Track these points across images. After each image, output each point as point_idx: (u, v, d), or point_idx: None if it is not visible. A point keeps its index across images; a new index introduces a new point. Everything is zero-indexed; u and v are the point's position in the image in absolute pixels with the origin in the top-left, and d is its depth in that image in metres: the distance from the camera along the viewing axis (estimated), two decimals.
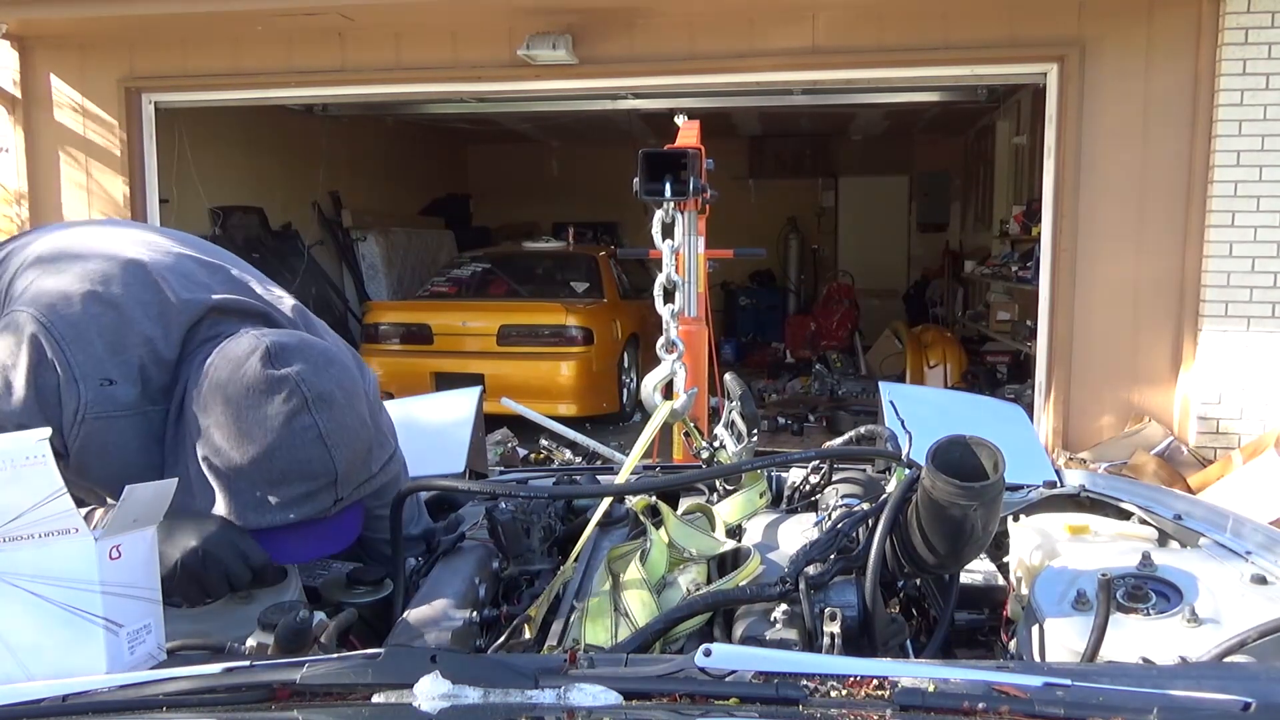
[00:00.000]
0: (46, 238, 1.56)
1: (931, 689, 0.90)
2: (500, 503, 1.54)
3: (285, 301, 1.58)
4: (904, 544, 1.30)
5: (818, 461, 1.77)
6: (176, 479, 1.20)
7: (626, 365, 8.38)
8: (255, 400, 1.30)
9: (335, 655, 1.08)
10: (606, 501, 1.61)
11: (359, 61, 6.62)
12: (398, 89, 7.03)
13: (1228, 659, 1.11)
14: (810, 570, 1.28)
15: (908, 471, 1.41)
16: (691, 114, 4.32)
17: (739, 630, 1.25)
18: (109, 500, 1.54)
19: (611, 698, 0.90)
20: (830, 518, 1.45)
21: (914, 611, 1.54)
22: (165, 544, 1.29)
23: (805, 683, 0.94)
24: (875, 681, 0.94)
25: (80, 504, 1.17)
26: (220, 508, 1.33)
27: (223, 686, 0.97)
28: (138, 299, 1.42)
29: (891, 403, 1.97)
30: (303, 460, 1.30)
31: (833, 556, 1.31)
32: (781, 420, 7.86)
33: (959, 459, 1.23)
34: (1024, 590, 1.44)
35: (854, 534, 1.36)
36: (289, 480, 1.31)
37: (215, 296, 1.46)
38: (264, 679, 0.97)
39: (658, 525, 1.50)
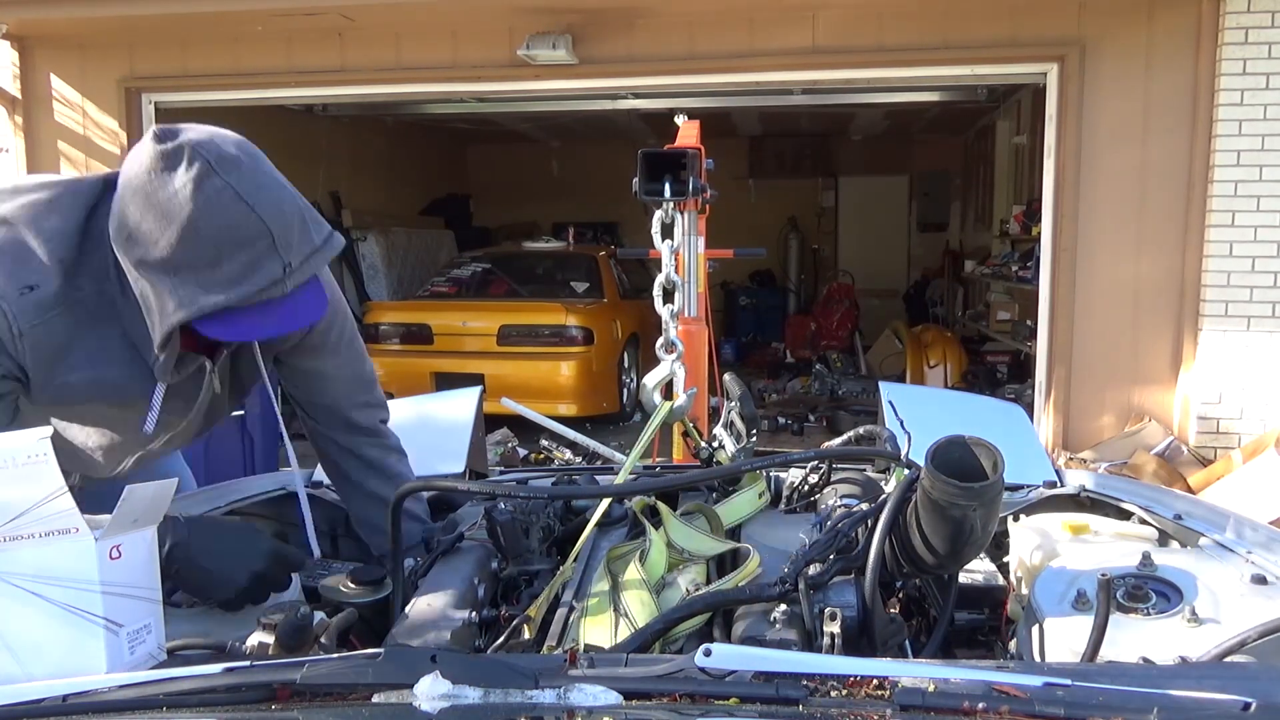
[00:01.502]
0: None
1: (931, 689, 0.90)
2: (499, 503, 1.54)
3: None
4: (903, 544, 1.30)
5: (817, 462, 1.77)
6: (177, 479, 1.20)
7: (626, 365, 8.38)
8: (159, 180, 1.27)
9: (335, 655, 1.08)
10: (606, 502, 1.61)
11: (359, 61, 6.62)
12: (398, 89, 7.03)
13: (1228, 659, 1.11)
14: (810, 570, 1.28)
15: (907, 472, 1.41)
16: (691, 114, 4.31)
17: (738, 630, 1.25)
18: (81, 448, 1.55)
19: (611, 698, 0.90)
20: (830, 518, 1.45)
21: (913, 611, 1.54)
22: (224, 572, 1.35)
23: (805, 683, 0.94)
24: (875, 681, 0.94)
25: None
26: (170, 304, 1.30)
27: (223, 686, 0.97)
28: (28, 202, 1.41)
29: (891, 403, 1.97)
30: (229, 225, 1.27)
31: (832, 557, 1.31)
32: (781, 420, 7.86)
33: (958, 459, 1.23)
34: (1024, 590, 1.44)
35: (853, 534, 1.36)
36: (224, 250, 1.27)
37: (106, 171, 1.46)
38: (264, 679, 0.97)
39: (657, 525, 1.50)
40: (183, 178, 1.26)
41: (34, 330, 1.36)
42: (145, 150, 1.30)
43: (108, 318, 1.41)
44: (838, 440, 1.95)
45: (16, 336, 1.35)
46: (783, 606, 1.25)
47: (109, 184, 1.42)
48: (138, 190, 1.29)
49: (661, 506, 1.54)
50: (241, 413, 5.12)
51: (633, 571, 1.37)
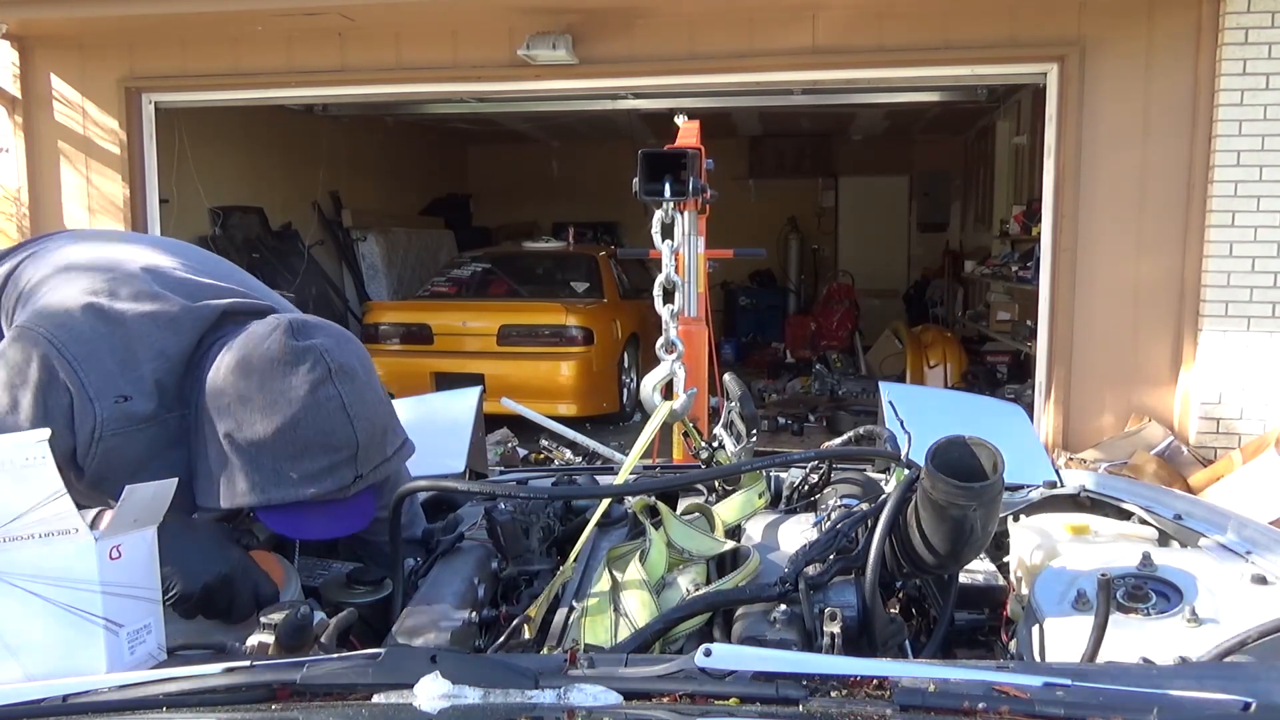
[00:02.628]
0: (51, 250, 1.55)
1: (931, 689, 0.90)
2: (499, 503, 1.54)
3: (286, 303, 1.61)
4: (903, 544, 1.30)
5: (816, 462, 1.77)
6: (176, 479, 1.20)
7: (626, 365, 8.38)
8: (279, 371, 1.32)
9: (335, 655, 1.08)
10: (605, 502, 1.61)
11: (359, 61, 6.62)
12: (398, 89, 7.03)
13: (1228, 659, 1.11)
14: (810, 570, 1.28)
15: (907, 472, 1.41)
16: (691, 114, 4.32)
17: (738, 630, 1.25)
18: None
19: (611, 698, 0.90)
20: (829, 518, 1.45)
21: (914, 611, 1.54)
22: (190, 565, 1.30)
23: (805, 683, 0.94)
24: (875, 681, 0.94)
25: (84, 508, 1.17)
26: (242, 484, 1.33)
27: (223, 686, 0.97)
28: (148, 312, 1.41)
29: (891, 403, 1.97)
30: (326, 430, 1.32)
31: (832, 557, 1.31)
32: (781, 420, 7.86)
33: (958, 459, 1.23)
34: (1024, 590, 1.44)
35: (853, 534, 1.36)
36: (311, 452, 1.32)
37: (226, 301, 1.47)
38: (264, 679, 0.97)
39: (657, 526, 1.50)
40: (303, 377, 1.32)
41: (115, 438, 1.36)
42: (275, 338, 1.34)
43: (180, 444, 1.42)
44: (838, 440, 1.95)
45: (95, 441, 1.35)
46: (783, 606, 1.25)
47: (226, 316, 1.44)
48: (254, 371, 1.33)
49: (661, 506, 1.54)
50: None
51: (633, 571, 1.37)
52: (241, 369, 1.33)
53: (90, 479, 1.39)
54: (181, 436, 1.41)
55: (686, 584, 1.39)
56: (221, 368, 1.35)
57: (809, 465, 1.78)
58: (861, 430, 1.86)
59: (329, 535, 1.43)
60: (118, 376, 1.36)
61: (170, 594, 1.29)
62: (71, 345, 1.35)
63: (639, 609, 1.30)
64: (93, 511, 1.11)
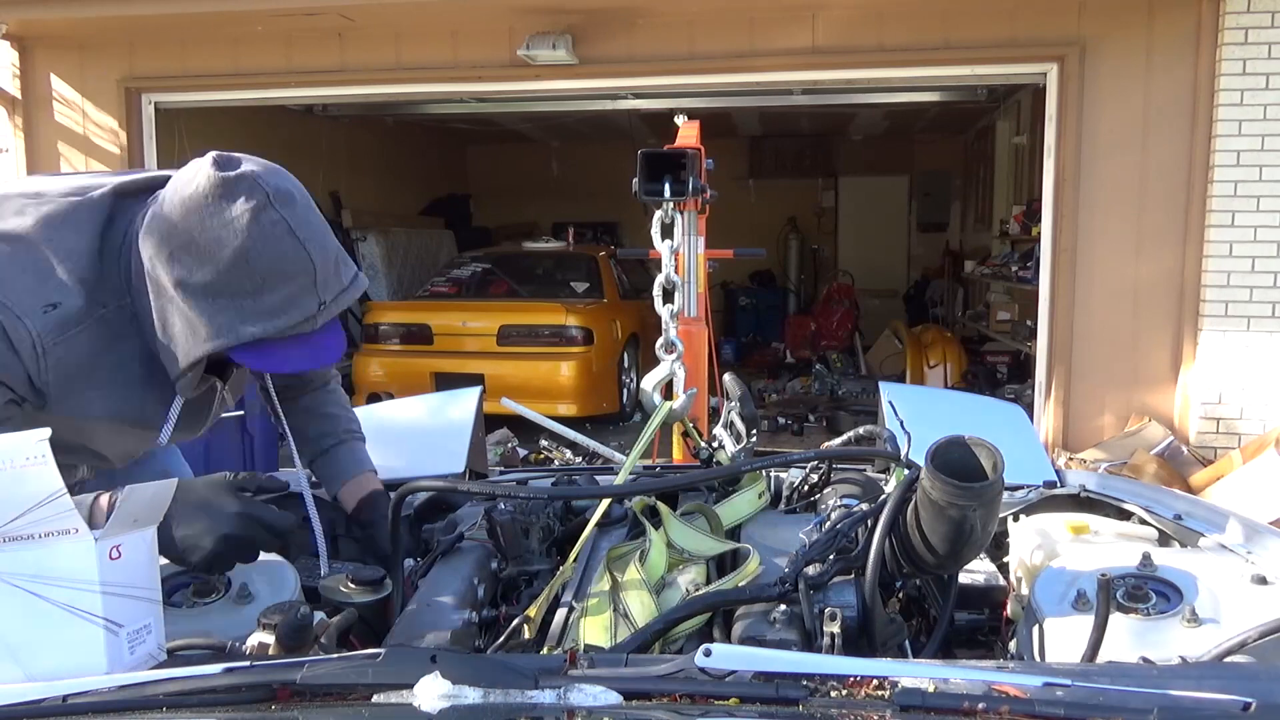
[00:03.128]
0: None
1: (931, 689, 0.90)
2: (499, 503, 1.54)
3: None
4: (903, 544, 1.30)
5: (816, 462, 1.77)
6: (177, 479, 1.20)
7: (626, 365, 8.38)
8: (216, 206, 1.28)
9: (335, 655, 1.08)
10: (605, 502, 1.61)
11: (359, 61, 6.62)
12: (398, 89, 7.02)
13: (1228, 659, 1.11)
14: (809, 570, 1.28)
15: (907, 472, 1.41)
16: (691, 114, 4.31)
17: (738, 630, 1.25)
18: (96, 453, 1.54)
19: (611, 698, 0.90)
20: (829, 518, 1.45)
21: (913, 611, 1.54)
22: (190, 529, 1.30)
23: (805, 683, 0.94)
24: (875, 681, 0.94)
25: (71, 473, 1.16)
26: (205, 329, 1.30)
27: (223, 686, 0.97)
28: (41, 216, 1.40)
29: (891, 403, 1.97)
30: (278, 257, 1.28)
31: (832, 557, 1.31)
32: (781, 420, 7.86)
33: (958, 459, 1.23)
34: (1024, 590, 1.44)
35: (853, 534, 1.36)
36: (269, 282, 1.29)
37: (113, 181, 1.45)
38: (264, 679, 0.97)
39: (657, 526, 1.50)
40: (241, 206, 1.28)
41: (57, 348, 1.36)
42: (203, 175, 1.31)
43: (126, 334, 1.41)
44: (838, 440, 1.95)
45: (40, 355, 1.35)
46: (782, 606, 1.25)
47: (120, 194, 1.42)
48: (191, 211, 1.29)
49: (661, 507, 1.54)
50: (241, 413, 5.13)
51: (633, 572, 1.37)
52: (176, 214, 1.30)
53: (54, 400, 1.39)
54: (127, 326, 1.40)
55: (686, 584, 1.39)
56: (155, 224, 1.32)
57: (809, 465, 1.78)
58: (861, 430, 1.86)
59: (305, 367, 1.40)
60: (38, 288, 1.35)
61: (193, 565, 1.32)
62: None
63: (639, 609, 1.30)
64: (89, 500, 1.11)
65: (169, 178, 1.43)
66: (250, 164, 1.33)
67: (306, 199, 1.36)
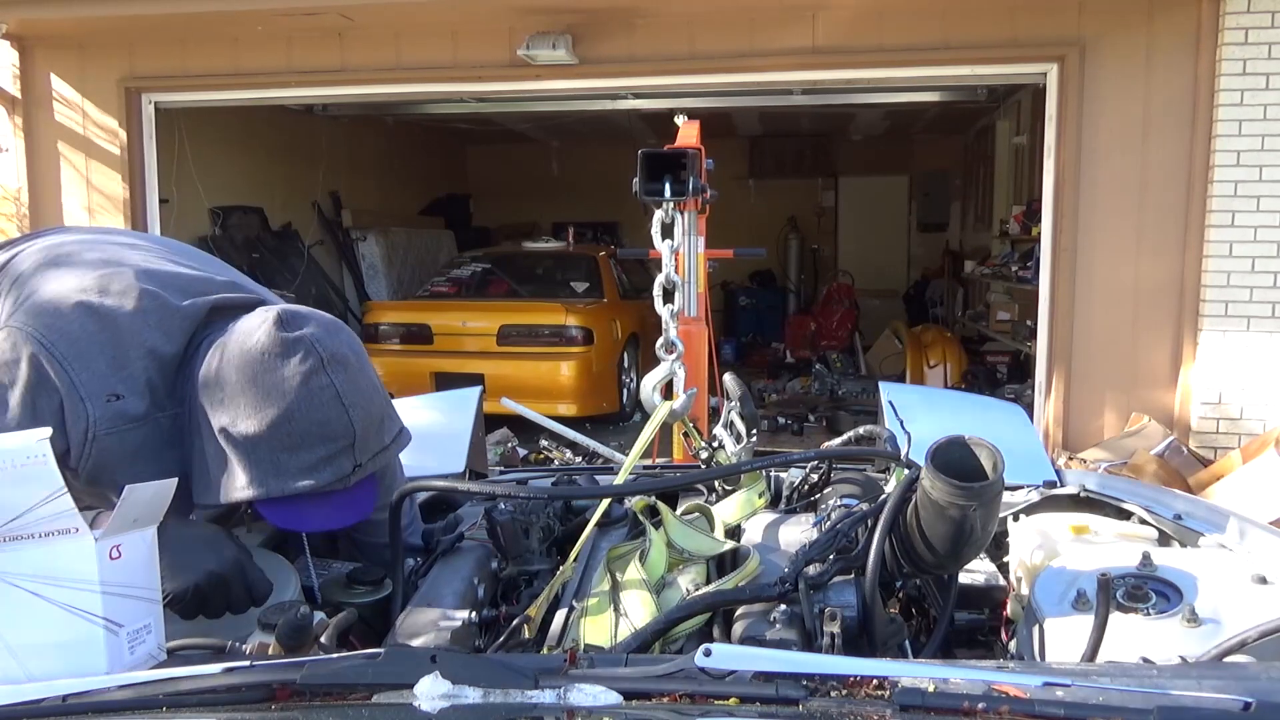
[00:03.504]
0: (44, 246, 1.54)
1: (931, 689, 0.90)
2: (499, 503, 1.53)
3: (275, 298, 1.60)
4: (903, 544, 1.30)
5: (816, 462, 1.77)
6: (176, 479, 1.20)
7: (626, 365, 8.38)
8: (271, 363, 1.31)
9: (335, 655, 1.08)
10: (605, 501, 1.61)
11: (359, 61, 6.62)
12: (398, 89, 7.02)
13: (1228, 659, 1.11)
14: (809, 570, 1.28)
15: (907, 472, 1.41)
16: (691, 114, 4.31)
17: (738, 630, 1.25)
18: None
19: (611, 698, 0.90)
20: (829, 518, 1.45)
21: (914, 611, 1.54)
22: (182, 563, 1.30)
23: (805, 683, 0.94)
24: (875, 681, 0.94)
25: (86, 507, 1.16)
26: (241, 478, 1.32)
27: (223, 686, 0.96)
28: (137, 309, 1.40)
29: (890, 403, 1.97)
30: (321, 421, 1.31)
31: (832, 557, 1.31)
32: (781, 420, 7.86)
33: (958, 459, 1.23)
34: (1024, 590, 1.44)
35: (853, 534, 1.36)
36: (309, 443, 1.31)
37: (214, 296, 1.46)
38: (264, 679, 0.97)
39: (657, 525, 1.50)
40: (294, 368, 1.30)
41: (107, 438, 1.36)
42: (264, 330, 1.33)
43: (174, 443, 1.42)
44: (838, 440, 1.95)
45: (89, 441, 1.35)
46: (782, 606, 1.25)
47: (216, 310, 1.44)
48: (246, 364, 1.32)
49: (661, 506, 1.54)
50: None
51: (633, 571, 1.37)
52: (233, 363, 1.32)
53: (85, 479, 1.38)
54: (175, 435, 1.40)
55: (686, 584, 1.39)
56: (214, 363, 1.34)
57: (809, 465, 1.78)
58: (861, 430, 1.86)
59: (331, 526, 1.42)
60: (109, 375, 1.36)
61: (165, 595, 1.29)
62: (61, 344, 1.34)
63: (639, 609, 1.30)
64: (93, 512, 1.11)
65: (263, 299, 1.49)
66: (312, 325, 1.35)
67: (361, 361, 1.39)
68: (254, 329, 1.34)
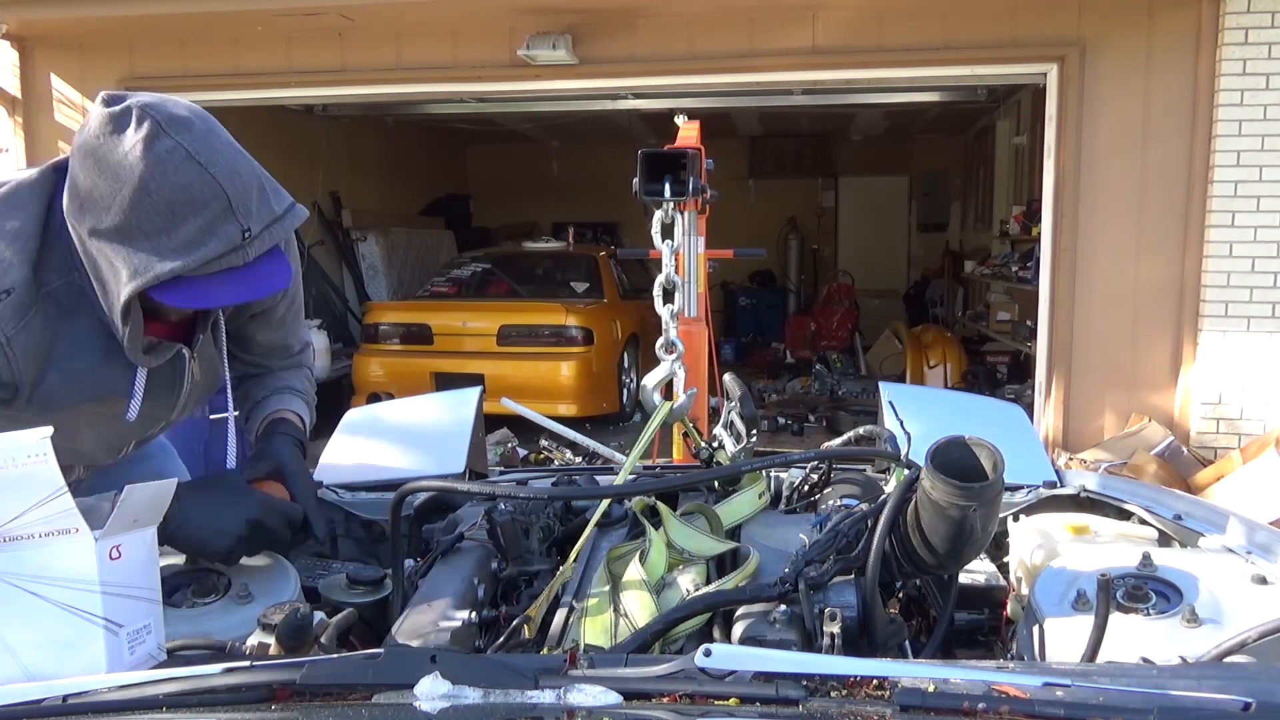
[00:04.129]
0: None
1: (931, 689, 0.90)
2: (499, 503, 1.53)
3: None
4: (903, 544, 1.30)
5: (816, 462, 1.77)
6: (176, 479, 1.20)
7: (626, 365, 8.38)
8: (109, 143, 1.24)
9: (335, 655, 1.08)
10: (605, 502, 1.61)
11: (359, 61, 6.62)
12: (398, 89, 7.03)
13: (1228, 659, 1.11)
14: (809, 571, 1.28)
15: (907, 472, 1.41)
16: (691, 114, 4.31)
17: (738, 631, 1.25)
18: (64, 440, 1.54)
19: (611, 698, 0.90)
20: (829, 518, 1.45)
21: (914, 611, 1.54)
22: (220, 521, 1.35)
23: (805, 683, 0.93)
24: (875, 682, 0.94)
25: (67, 473, 1.16)
26: (125, 272, 1.26)
27: (223, 686, 0.96)
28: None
29: (891, 403, 1.97)
30: (180, 185, 1.23)
31: (832, 557, 1.31)
32: (781, 420, 7.86)
33: (958, 459, 1.23)
34: (1024, 590, 1.44)
35: (853, 535, 1.36)
36: (178, 213, 1.23)
37: (56, 159, 1.42)
38: (264, 679, 0.97)
39: (657, 526, 1.50)
40: (132, 138, 1.23)
41: (19, 335, 1.34)
42: (94, 115, 1.27)
43: (80, 308, 1.38)
44: (838, 440, 1.95)
45: (5, 345, 1.33)
46: (782, 607, 1.25)
47: (60, 170, 1.38)
48: (87, 155, 1.26)
49: (661, 507, 1.54)
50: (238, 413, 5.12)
51: (633, 572, 1.37)
52: (77, 164, 1.27)
53: (26, 390, 1.37)
54: (74, 301, 1.37)
55: (686, 584, 1.39)
56: (67, 183, 1.30)
57: (809, 466, 1.78)
58: (861, 430, 1.86)
59: (239, 299, 1.35)
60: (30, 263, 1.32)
61: (214, 552, 1.36)
62: None
63: (639, 609, 1.30)
64: (93, 500, 1.11)
65: None
66: (140, 95, 1.29)
67: (208, 124, 1.30)
68: (85, 121, 1.28)
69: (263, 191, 1.32)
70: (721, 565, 1.48)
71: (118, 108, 1.26)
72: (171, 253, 1.24)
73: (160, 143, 1.23)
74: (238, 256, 1.27)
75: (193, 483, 1.45)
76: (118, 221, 1.24)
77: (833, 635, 1.19)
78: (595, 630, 1.29)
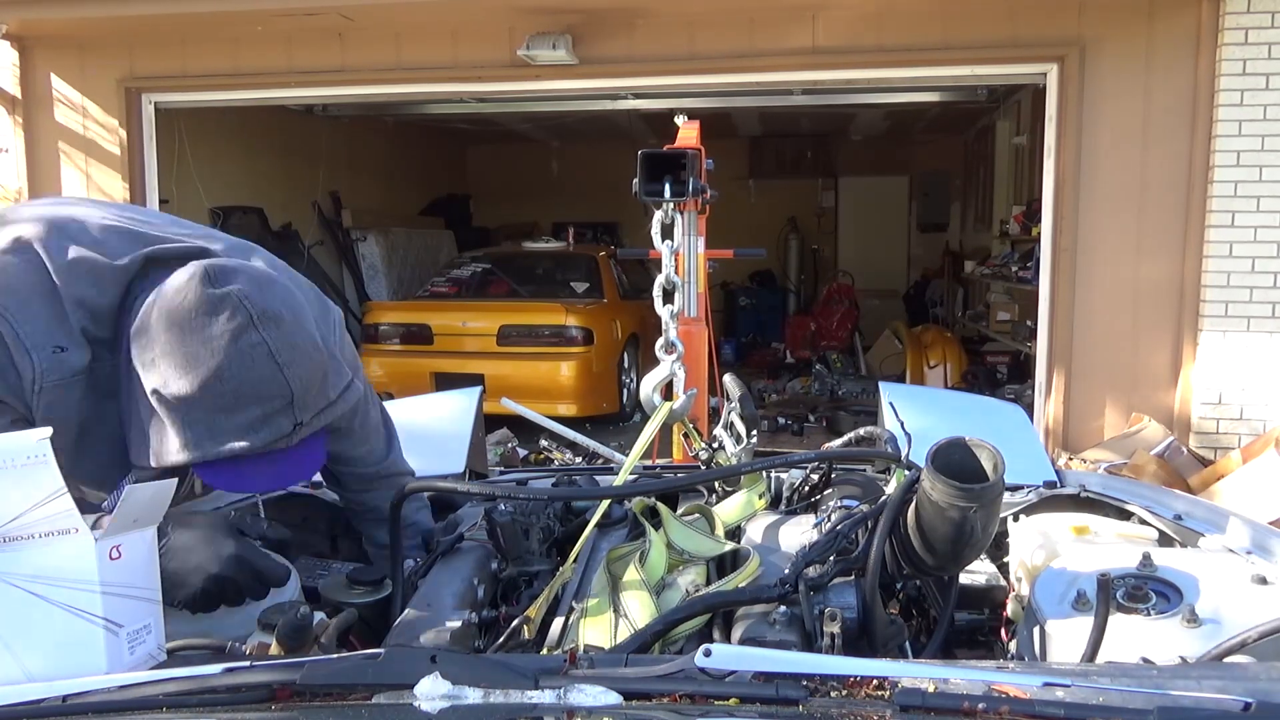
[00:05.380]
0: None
1: (931, 689, 0.90)
2: (499, 504, 1.53)
3: (221, 236, 1.55)
4: (903, 546, 1.30)
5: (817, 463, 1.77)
6: (176, 480, 1.20)
7: (626, 365, 8.38)
8: (199, 322, 1.26)
9: (335, 655, 1.08)
10: (605, 502, 1.61)
11: (359, 61, 6.62)
12: (398, 89, 7.02)
13: (1228, 659, 1.11)
14: (810, 572, 1.28)
15: (907, 473, 1.41)
16: (691, 114, 4.31)
17: (738, 631, 1.25)
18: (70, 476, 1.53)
19: (611, 698, 0.90)
20: (829, 519, 1.45)
21: (914, 612, 1.54)
22: (183, 565, 1.30)
23: (805, 683, 0.93)
24: (875, 682, 0.94)
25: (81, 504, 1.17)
26: (175, 441, 1.29)
27: (223, 686, 0.96)
28: (72, 260, 1.37)
29: (891, 404, 1.97)
30: (254, 380, 1.26)
31: (832, 558, 1.31)
32: (781, 420, 7.86)
33: (959, 461, 1.23)
34: (1024, 590, 1.44)
35: (853, 535, 1.36)
36: (243, 403, 1.27)
37: (150, 249, 1.42)
38: (264, 679, 0.97)
39: (657, 526, 1.50)
40: (222, 326, 1.26)
41: (54, 390, 1.34)
42: (192, 287, 1.29)
43: (111, 393, 1.39)
44: (838, 441, 1.95)
45: (35, 393, 1.33)
46: (783, 608, 1.25)
47: (150, 262, 1.40)
48: (173, 324, 1.28)
49: (661, 507, 1.54)
50: None
51: (633, 572, 1.37)
52: (162, 323, 1.28)
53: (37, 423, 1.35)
54: (113, 386, 1.38)
55: (686, 585, 1.39)
56: (144, 322, 1.30)
57: (809, 466, 1.78)
58: (862, 431, 1.86)
59: (275, 487, 1.41)
60: (52, 327, 1.33)
61: (175, 602, 1.30)
62: (3, 297, 1.31)
63: (639, 610, 1.30)
64: (93, 516, 1.11)
65: (203, 247, 1.43)
66: (241, 281, 1.30)
67: (297, 316, 1.33)
68: (181, 286, 1.29)
69: (324, 379, 1.36)
70: (721, 566, 1.48)
71: (217, 291, 1.28)
72: (224, 434, 1.28)
73: (248, 336, 1.27)
74: (282, 443, 1.32)
75: (178, 522, 1.40)
76: (183, 394, 1.27)
77: (833, 635, 1.19)
78: (595, 631, 1.29)
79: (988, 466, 1.23)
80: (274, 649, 1.17)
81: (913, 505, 1.28)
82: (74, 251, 1.37)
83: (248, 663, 1.02)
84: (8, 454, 1.04)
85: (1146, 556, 1.31)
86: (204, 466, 1.31)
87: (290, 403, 1.29)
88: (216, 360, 1.25)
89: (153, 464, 1.33)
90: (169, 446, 1.29)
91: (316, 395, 1.34)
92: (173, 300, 1.28)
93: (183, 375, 1.26)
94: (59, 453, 1.34)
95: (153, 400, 1.29)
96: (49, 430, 1.07)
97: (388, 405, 1.86)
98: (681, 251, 3.82)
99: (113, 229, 1.44)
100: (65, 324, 1.34)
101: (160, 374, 1.28)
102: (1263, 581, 1.26)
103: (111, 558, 1.09)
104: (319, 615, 1.24)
